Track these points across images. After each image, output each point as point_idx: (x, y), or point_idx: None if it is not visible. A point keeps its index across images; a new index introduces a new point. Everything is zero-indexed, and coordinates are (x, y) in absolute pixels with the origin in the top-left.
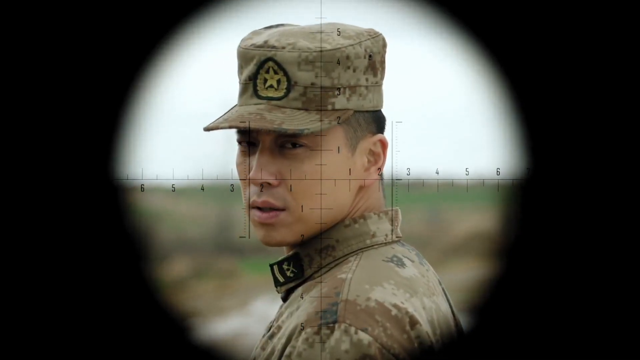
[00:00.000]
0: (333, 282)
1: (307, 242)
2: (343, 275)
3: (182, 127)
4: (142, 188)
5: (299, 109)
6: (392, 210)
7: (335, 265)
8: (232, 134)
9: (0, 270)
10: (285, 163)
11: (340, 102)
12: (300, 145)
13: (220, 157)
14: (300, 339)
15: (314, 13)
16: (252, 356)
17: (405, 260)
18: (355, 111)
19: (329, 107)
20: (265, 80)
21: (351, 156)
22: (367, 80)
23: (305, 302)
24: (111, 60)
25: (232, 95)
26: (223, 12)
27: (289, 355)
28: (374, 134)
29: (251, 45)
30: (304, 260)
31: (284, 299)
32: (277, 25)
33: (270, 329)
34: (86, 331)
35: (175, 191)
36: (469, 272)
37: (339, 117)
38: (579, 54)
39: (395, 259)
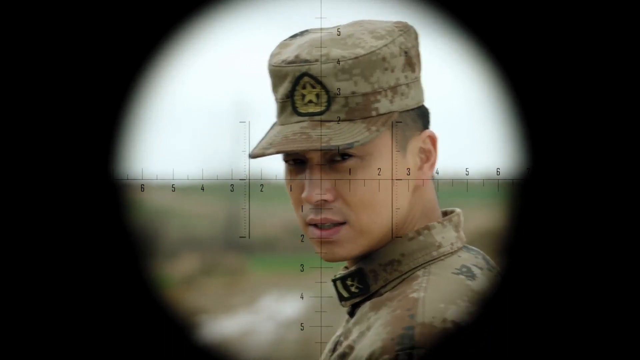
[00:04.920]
0: (405, 302)
1: (369, 257)
2: (415, 295)
3: (186, 125)
4: (142, 188)
5: (343, 120)
6: (454, 214)
7: (402, 281)
8: (241, 132)
9: (1, 269)
10: (337, 177)
11: (383, 105)
12: (351, 156)
13: (227, 153)
14: None
15: (314, 13)
16: None
17: (474, 269)
18: (400, 112)
19: (373, 113)
20: (304, 96)
21: (403, 158)
22: (406, 77)
23: (378, 326)
24: (111, 60)
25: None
26: (224, 10)
27: None
28: (422, 130)
29: (282, 61)
30: (368, 275)
31: (350, 314)
32: (302, 33)
33: (335, 344)
34: (90, 329)
35: (175, 191)
36: None
37: (386, 122)
38: (579, 54)
39: (464, 269)
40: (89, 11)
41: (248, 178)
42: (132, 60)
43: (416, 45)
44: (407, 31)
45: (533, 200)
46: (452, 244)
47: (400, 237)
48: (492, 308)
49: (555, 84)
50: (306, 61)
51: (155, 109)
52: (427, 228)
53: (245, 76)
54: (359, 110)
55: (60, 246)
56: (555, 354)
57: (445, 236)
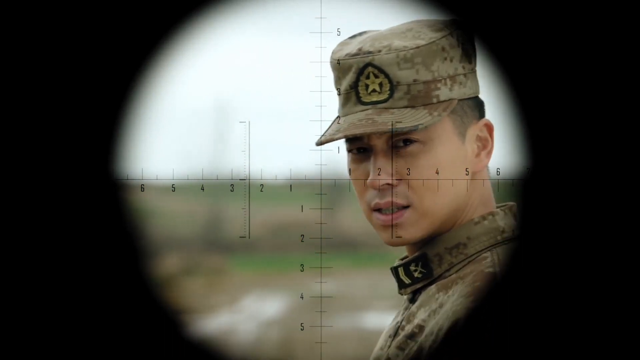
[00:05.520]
0: (482, 276)
1: (433, 241)
2: (491, 269)
3: (182, 126)
4: (142, 188)
5: (405, 107)
6: (513, 204)
7: (468, 263)
8: (227, 132)
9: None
10: (401, 162)
11: (444, 93)
12: (413, 142)
13: (209, 154)
14: None
15: (314, 13)
16: (378, 356)
17: None
18: (459, 100)
19: (434, 100)
20: (367, 86)
21: (462, 144)
22: (464, 68)
23: (456, 298)
24: (111, 60)
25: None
26: (224, 11)
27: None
28: (479, 119)
29: (345, 55)
30: (432, 260)
31: (411, 300)
32: (361, 33)
33: (396, 330)
34: (90, 327)
35: (175, 191)
36: None
37: (446, 108)
38: (580, 54)
39: None
40: (89, 11)
41: (248, 178)
42: (132, 61)
43: (472, 39)
44: (463, 26)
45: (533, 200)
46: (513, 230)
47: (463, 223)
48: (491, 309)
49: (555, 84)
50: (369, 52)
51: (155, 109)
52: (492, 214)
53: (244, 76)
54: (420, 97)
55: (60, 246)
56: (554, 354)
57: (507, 223)
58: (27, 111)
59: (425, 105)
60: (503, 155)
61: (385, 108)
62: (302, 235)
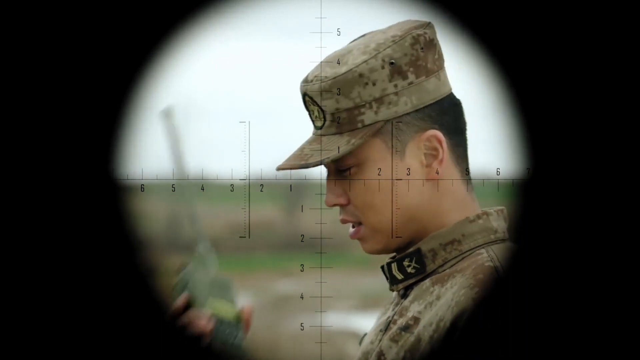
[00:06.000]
0: (483, 269)
1: (428, 238)
2: (490, 264)
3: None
4: (142, 188)
5: (334, 134)
6: (504, 208)
7: (462, 259)
8: (188, 131)
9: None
10: (345, 183)
11: (369, 117)
12: (351, 166)
13: (163, 156)
14: None
15: (314, 13)
16: (368, 351)
17: None
18: (392, 119)
19: (359, 125)
20: (311, 113)
21: (400, 161)
22: (395, 86)
23: (458, 290)
24: (111, 61)
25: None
26: (224, 10)
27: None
28: (425, 130)
29: (301, 81)
30: (426, 255)
31: (402, 295)
32: (353, 40)
33: (387, 324)
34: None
35: (175, 191)
36: None
37: (370, 131)
38: (580, 53)
39: None
40: (89, 11)
41: (248, 178)
42: (133, 61)
43: (412, 53)
44: (400, 41)
45: (533, 200)
46: (504, 232)
47: (441, 226)
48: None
49: (555, 84)
50: (307, 81)
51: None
52: (486, 214)
53: (244, 76)
54: (345, 124)
55: (60, 245)
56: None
57: (500, 224)
58: (27, 112)
59: (351, 131)
60: (503, 155)
61: (321, 135)
62: (302, 235)
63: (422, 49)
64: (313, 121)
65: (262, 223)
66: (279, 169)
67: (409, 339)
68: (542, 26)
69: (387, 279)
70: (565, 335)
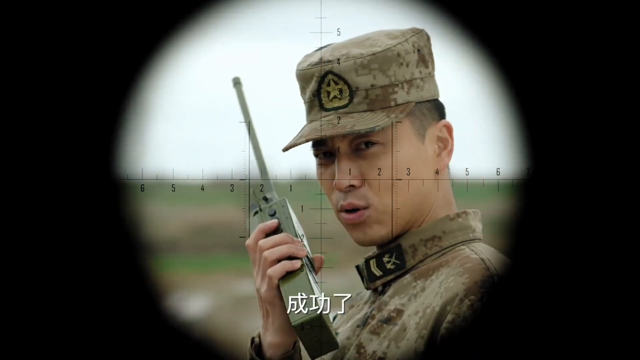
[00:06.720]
0: (470, 259)
1: (407, 234)
2: (476, 256)
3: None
4: (142, 188)
5: (364, 111)
6: (478, 211)
7: (442, 255)
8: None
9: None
10: (363, 163)
11: (401, 96)
12: (374, 144)
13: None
14: (465, 306)
15: (314, 13)
16: (344, 345)
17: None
18: (417, 102)
19: (392, 103)
20: (329, 93)
21: (422, 145)
22: (420, 72)
23: (447, 280)
24: (111, 61)
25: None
26: (224, 10)
27: (453, 321)
28: (438, 120)
29: (308, 65)
30: (407, 251)
31: (380, 292)
32: (326, 45)
33: (365, 320)
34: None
35: (174, 191)
36: None
37: (404, 110)
38: (579, 53)
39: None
40: (90, 12)
41: (248, 178)
42: (133, 60)
43: (428, 45)
44: (419, 33)
45: (533, 200)
46: (480, 232)
47: (428, 221)
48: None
49: (555, 85)
50: (329, 61)
51: (155, 108)
52: (465, 213)
53: (244, 76)
54: (378, 101)
55: (60, 245)
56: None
57: (477, 225)
58: (27, 112)
59: (383, 108)
60: (503, 155)
61: (346, 113)
62: (302, 235)
63: (430, 46)
64: (324, 103)
65: (218, 223)
66: (316, 137)
67: (393, 329)
68: (541, 26)
69: (362, 278)
70: (565, 335)
